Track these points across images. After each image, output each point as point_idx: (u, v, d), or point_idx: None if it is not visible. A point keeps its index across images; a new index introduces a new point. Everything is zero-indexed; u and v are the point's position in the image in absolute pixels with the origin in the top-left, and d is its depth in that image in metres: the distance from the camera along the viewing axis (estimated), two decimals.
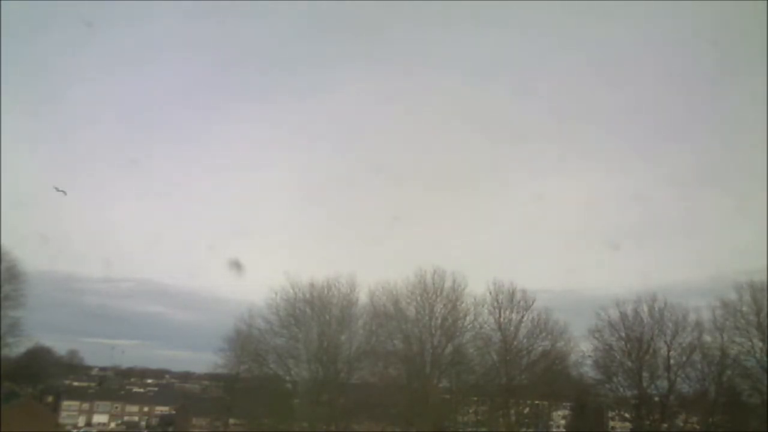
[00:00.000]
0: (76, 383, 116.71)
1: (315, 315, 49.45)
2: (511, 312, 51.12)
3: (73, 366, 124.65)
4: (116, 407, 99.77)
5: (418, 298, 50.46)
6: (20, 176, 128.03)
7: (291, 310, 49.44)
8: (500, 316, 51.06)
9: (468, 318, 51.08)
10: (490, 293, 51.29)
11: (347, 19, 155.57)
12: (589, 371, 54.19)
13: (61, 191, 47.53)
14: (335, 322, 49.47)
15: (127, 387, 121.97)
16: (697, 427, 51.25)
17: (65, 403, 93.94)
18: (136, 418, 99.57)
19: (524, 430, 53.73)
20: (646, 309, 50.63)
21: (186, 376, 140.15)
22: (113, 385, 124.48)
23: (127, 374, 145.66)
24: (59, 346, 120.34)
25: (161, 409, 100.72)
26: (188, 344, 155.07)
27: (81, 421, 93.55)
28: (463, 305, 50.92)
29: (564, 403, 61.02)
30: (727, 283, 49.32)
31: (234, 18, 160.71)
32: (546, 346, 51.53)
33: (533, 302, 51.25)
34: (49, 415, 76.07)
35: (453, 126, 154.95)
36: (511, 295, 51.31)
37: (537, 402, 55.79)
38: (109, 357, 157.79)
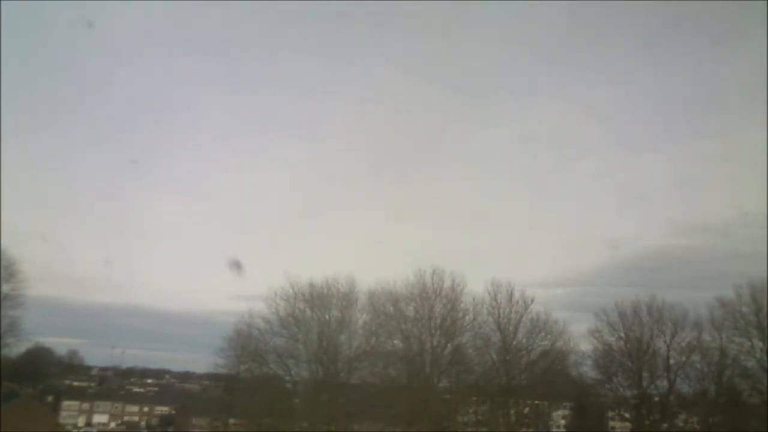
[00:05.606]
0: (76, 383, 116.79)
1: (315, 315, 49.35)
2: (510, 311, 50.89)
3: (73, 366, 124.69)
4: (116, 407, 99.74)
5: (418, 298, 50.23)
6: (20, 176, 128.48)
7: (291, 310, 49.37)
8: (499, 315, 50.84)
9: (467, 318, 50.87)
10: (489, 293, 51.12)
11: (347, 20, 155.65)
12: (588, 371, 54.29)
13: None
14: (335, 322, 49.36)
15: (127, 387, 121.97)
16: (697, 427, 51.24)
17: (65, 403, 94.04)
18: (136, 418, 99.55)
19: (524, 430, 53.71)
20: (645, 309, 50.72)
21: (186, 376, 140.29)
22: (113, 385, 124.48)
23: (127, 374, 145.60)
24: (59, 346, 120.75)
25: (161, 409, 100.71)
26: (186, 344, 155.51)
27: (81, 421, 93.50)
28: (463, 305, 50.69)
29: (564, 403, 61.01)
30: (727, 283, 49.39)
31: (234, 18, 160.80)
32: (545, 345, 51.33)
33: (532, 302, 51.03)
34: (49, 415, 76.18)
35: (453, 126, 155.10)
36: (510, 294, 51.10)
37: (537, 402, 55.70)
38: (109, 357, 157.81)
